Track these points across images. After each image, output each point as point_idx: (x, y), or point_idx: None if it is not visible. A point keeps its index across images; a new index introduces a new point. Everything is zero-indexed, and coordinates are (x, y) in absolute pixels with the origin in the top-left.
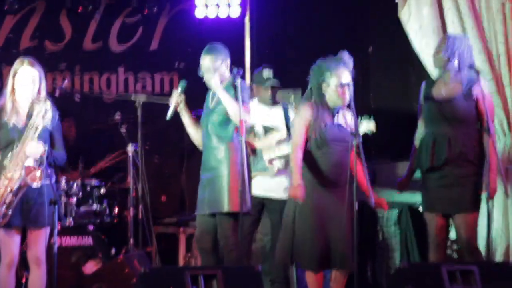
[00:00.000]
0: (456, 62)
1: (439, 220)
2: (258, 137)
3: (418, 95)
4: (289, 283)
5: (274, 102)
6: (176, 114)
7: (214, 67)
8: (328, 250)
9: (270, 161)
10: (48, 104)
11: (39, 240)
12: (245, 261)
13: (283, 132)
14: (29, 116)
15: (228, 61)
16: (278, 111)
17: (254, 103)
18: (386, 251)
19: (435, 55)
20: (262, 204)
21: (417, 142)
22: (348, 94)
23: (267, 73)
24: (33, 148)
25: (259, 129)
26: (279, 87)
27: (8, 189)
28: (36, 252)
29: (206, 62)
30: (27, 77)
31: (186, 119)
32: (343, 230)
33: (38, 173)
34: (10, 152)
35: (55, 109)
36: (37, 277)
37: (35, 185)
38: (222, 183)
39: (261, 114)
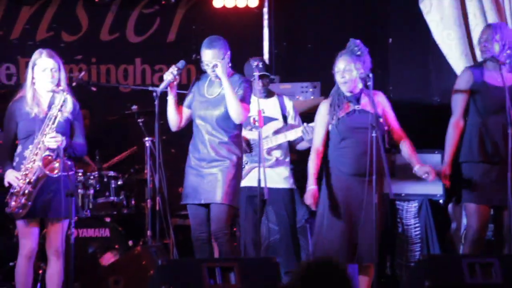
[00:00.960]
0: (507, 51)
1: (486, 213)
2: (256, 129)
3: (460, 81)
4: None
5: (268, 93)
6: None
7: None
8: (355, 244)
9: (269, 152)
10: (68, 95)
11: (58, 231)
12: (256, 252)
13: (279, 122)
14: (50, 107)
15: (229, 53)
16: (273, 101)
17: None
18: (406, 243)
19: (486, 46)
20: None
21: (455, 130)
22: (347, 79)
23: (255, 64)
24: (51, 140)
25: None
26: (269, 76)
27: (27, 180)
28: (55, 244)
29: (208, 57)
30: (46, 68)
31: (172, 99)
32: (371, 223)
33: (56, 164)
34: (30, 143)
35: (75, 100)
36: (56, 268)
37: (54, 175)
38: (228, 175)
39: (255, 106)
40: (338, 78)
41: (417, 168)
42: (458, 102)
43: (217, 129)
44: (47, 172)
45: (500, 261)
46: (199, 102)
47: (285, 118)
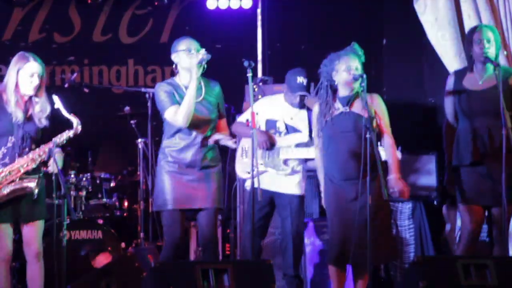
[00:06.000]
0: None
1: (479, 213)
2: (279, 134)
3: (445, 87)
4: (301, 277)
5: (302, 104)
6: None
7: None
8: (348, 246)
9: (285, 161)
10: (47, 102)
11: (34, 234)
12: (257, 255)
13: (304, 135)
14: (26, 111)
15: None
16: (303, 113)
17: (280, 100)
18: (400, 244)
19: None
20: (272, 198)
21: (446, 133)
22: (357, 80)
23: (300, 80)
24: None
25: (280, 125)
26: (307, 95)
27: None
28: (32, 247)
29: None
30: (34, 73)
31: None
32: (364, 226)
33: (33, 184)
34: (3, 144)
35: (49, 102)
36: (36, 271)
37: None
38: (220, 179)
39: (286, 113)
40: (346, 76)
41: (391, 178)
42: (446, 105)
43: (209, 132)
44: (24, 192)
45: (495, 262)
46: None
47: (310, 133)
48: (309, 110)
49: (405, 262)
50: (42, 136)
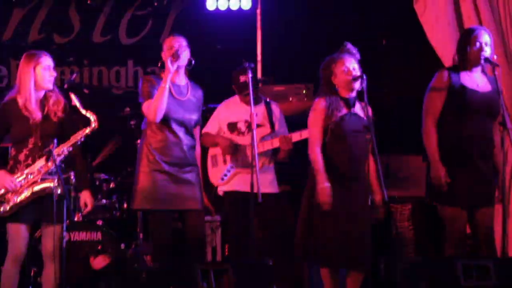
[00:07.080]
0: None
1: (464, 214)
2: (242, 134)
3: (433, 82)
4: (299, 278)
5: (255, 99)
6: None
7: None
8: (347, 248)
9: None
10: (60, 95)
11: (49, 236)
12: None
13: (266, 128)
14: (42, 108)
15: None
16: (260, 107)
17: (235, 102)
18: (400, 246)
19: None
20: (247, 199)
21: (431, 130)
22: (357, 81)
23: (244, 78)
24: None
25: (241, 126)
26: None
27: (24, 187)
28: (47, 248)
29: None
30: (50, 66)
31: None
32: (363, 227)
33: (53, 184)
34: (24, 147)
35: (64, 98)
36: (49, 272)
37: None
38: (199, 180)
39: (243, 112)
40: (345, 77)
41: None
42: (434, 100)
43: (190, 133)
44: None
45: (495, 263)
46: (171, 103)
47: (272, 124)
48: (267, 101)
49: (404, 263)
50: (66, 130)
